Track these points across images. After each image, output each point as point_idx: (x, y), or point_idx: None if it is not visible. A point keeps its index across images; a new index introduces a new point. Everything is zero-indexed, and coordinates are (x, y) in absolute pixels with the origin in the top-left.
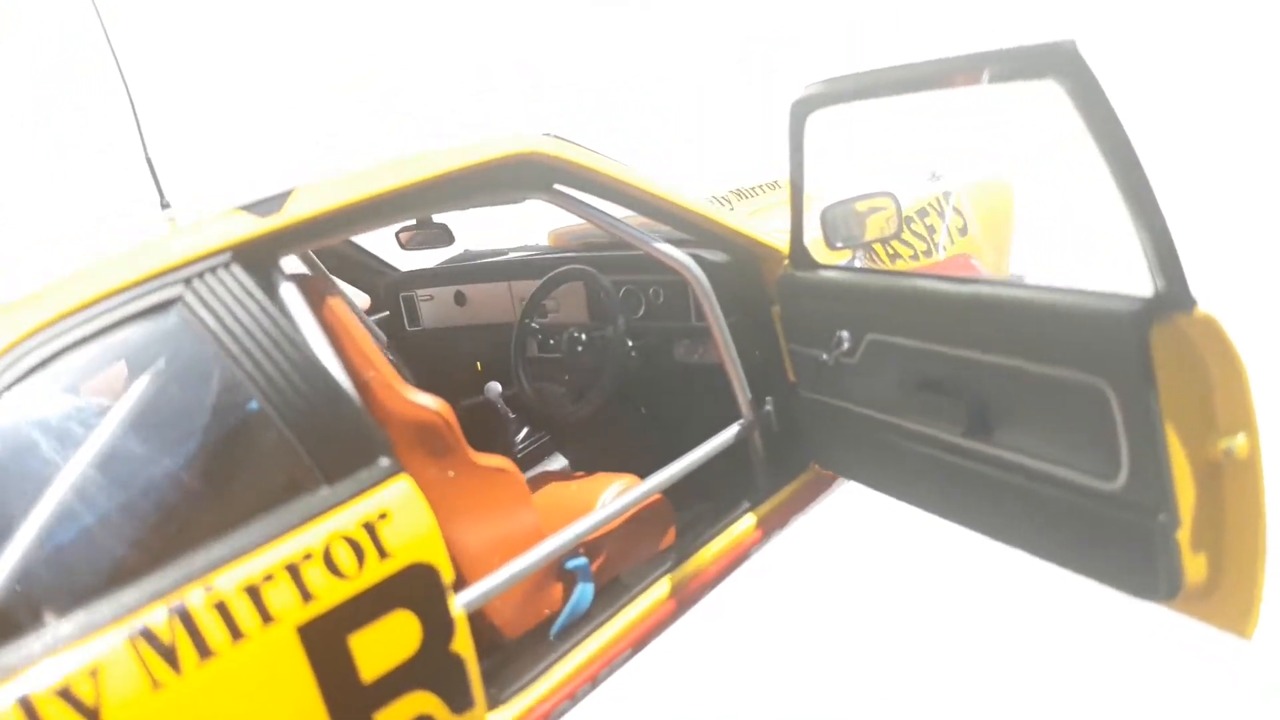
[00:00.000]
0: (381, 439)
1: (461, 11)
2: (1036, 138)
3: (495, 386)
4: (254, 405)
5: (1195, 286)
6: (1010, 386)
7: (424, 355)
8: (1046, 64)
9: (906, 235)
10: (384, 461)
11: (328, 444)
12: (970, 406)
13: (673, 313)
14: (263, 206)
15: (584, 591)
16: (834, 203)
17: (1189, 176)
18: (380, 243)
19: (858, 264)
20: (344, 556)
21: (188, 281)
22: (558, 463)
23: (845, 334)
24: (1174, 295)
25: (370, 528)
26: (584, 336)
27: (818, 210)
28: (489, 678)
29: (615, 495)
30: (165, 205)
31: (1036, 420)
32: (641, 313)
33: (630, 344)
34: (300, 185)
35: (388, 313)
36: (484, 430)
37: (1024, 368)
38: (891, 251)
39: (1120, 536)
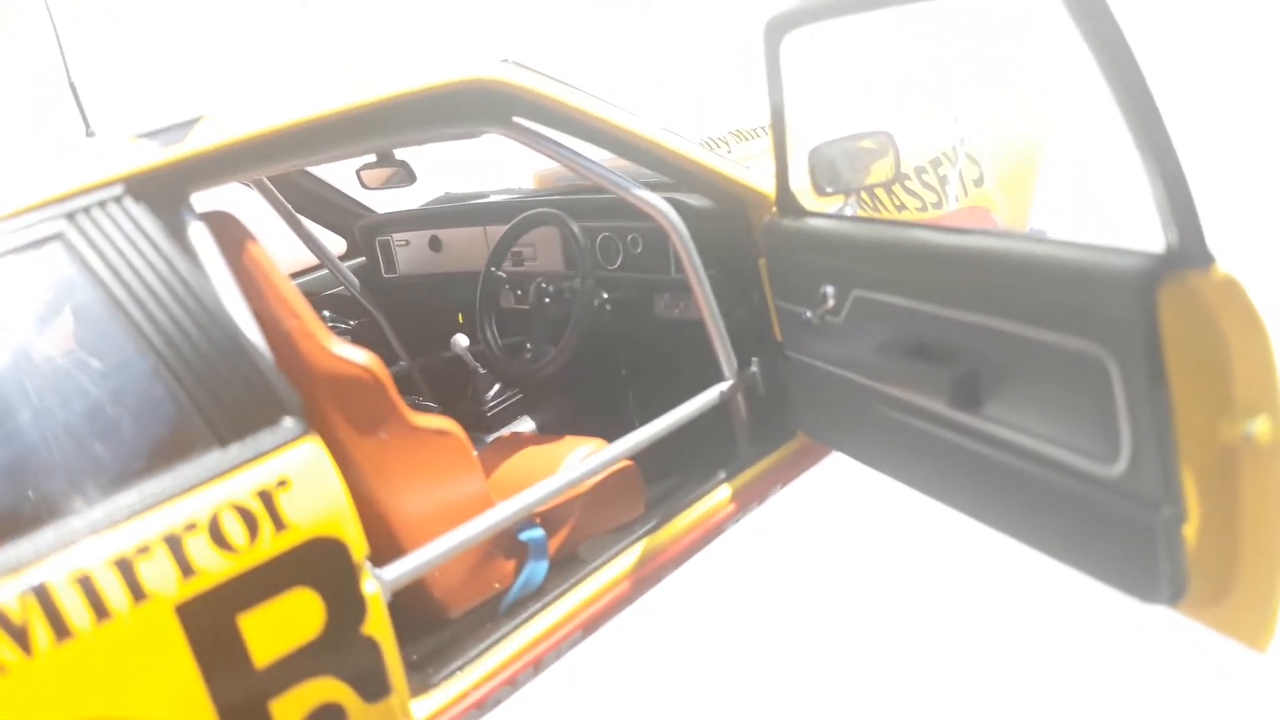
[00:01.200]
0: (290, 397)
1: (461, 13)
2: (1068, 83)
3: (462, 340)
4: (140, 356)
5: (1216, 242)
6: (1002, 353)
7: (402, 304)
8: None
9: (916, 186)
10: (288, 422)
11: (224, 401)
12: (956, 374)
13: (653, 263)
14: (165, 135)
15: (535, 569)
16: (824, 142)
17: (1224, 127)
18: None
19: (849, 212)
20: (234, 528)
21: (71, 216)
22: (526, 424)
23: (830, 289)
24: (1187, 251)
25: (266, 496)
26: (551, 288)
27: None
28: (424, 659)
29: (579, 460)
30: (90, 134)
31: (1030, 393)
32: (619, 262)
33: (604, 296)
34: (211, 111)
35: (364, 259)
36: (454, 385)
37: (1016, 332)
38: (898, 202)
39: (1119, 529)
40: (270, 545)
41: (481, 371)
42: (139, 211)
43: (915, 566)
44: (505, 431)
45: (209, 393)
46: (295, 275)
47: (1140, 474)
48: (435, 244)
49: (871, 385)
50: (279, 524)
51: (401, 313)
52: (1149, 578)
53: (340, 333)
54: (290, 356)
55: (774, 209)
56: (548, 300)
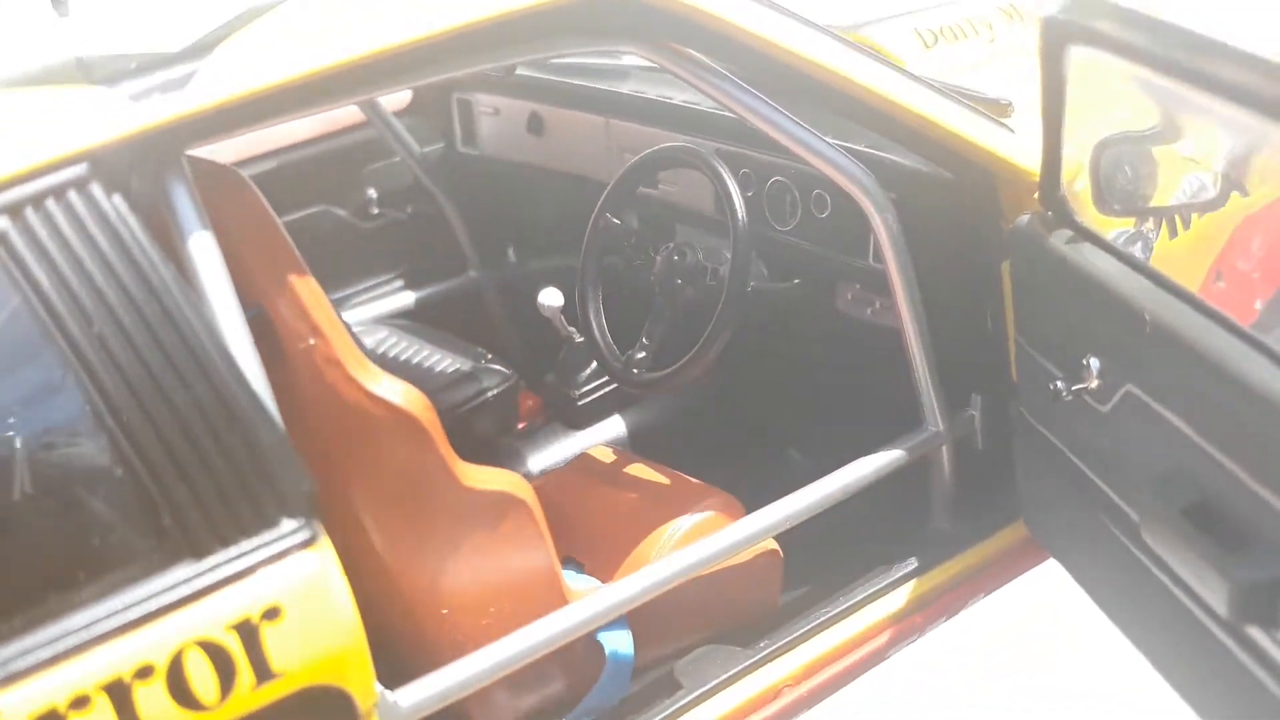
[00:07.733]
0: (296, 481)
1: None
2: None
3: (554, 296)
4: (93, 421)
5: None
6: None
7: (480, 194)
8: None
9: None
10: (288, 523)
11: (203, 490)
12: (1252, 576)
13: (844, 237)
14: (154, 77)
15: (612, 687)
16: (1118, 135)
17: None
18: None
19: (1139, 250)
20: (202, 675)
21: (15, 212)
22: (616, 427)
23: (1095, 364)
24: None
25: (249, 631)
26: (687, 258)
27: None
28: None
29: (693, 528)
30: (63, 11)
31: None
32: (793, 224)
33: (765, 274)
34: (231, 36)
35: (432, 120)
36: (540, 351)
37: None
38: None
39: None
40: (246, 700)
41: (578, 339)
42: (110, 203)
43: None
44: (593, 441)
45: (185, 477)
46: (323, 138)
47: None
48: (535, 124)
49: (1127, 511)
50: (261, 671)
51: (478, 206)
52: None
53: (390, 222)
54: (304, 393)
55: (1035, 196)
56: (679, 280)
